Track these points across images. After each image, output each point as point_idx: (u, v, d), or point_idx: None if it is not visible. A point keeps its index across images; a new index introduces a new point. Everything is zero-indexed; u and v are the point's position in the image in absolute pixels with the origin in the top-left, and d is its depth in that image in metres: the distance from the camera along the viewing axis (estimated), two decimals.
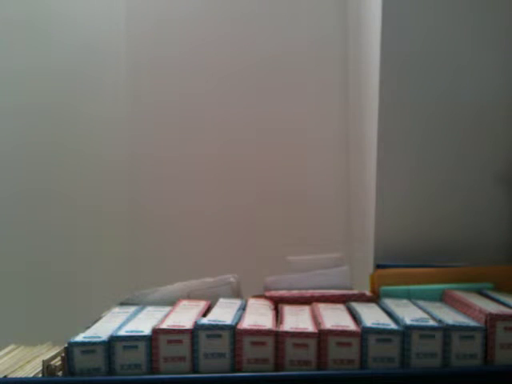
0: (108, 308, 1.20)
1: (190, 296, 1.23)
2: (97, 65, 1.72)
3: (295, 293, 1.23)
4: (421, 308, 1.12)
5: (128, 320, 1.08)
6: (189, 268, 1.56)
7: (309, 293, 1.22)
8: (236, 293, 1.26)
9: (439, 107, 1.32)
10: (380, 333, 0.98)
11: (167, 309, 1.14)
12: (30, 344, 1.24)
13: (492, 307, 1.04)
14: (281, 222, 1.73)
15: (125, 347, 0.98)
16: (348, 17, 1.70)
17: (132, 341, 0.98)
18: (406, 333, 0.99)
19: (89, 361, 0.97)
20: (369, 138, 1.42)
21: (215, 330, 0.99)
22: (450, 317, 1.04)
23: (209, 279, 1.26)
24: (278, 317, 1.10)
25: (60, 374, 1.00)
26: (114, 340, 0.98)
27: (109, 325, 1.05)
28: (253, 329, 0.99)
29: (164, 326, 1.00)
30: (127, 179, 1.73)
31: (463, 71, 1.31)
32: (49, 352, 1.14)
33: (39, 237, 1.73)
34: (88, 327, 1.06)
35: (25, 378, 1.04)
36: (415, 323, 1.00)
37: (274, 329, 1.00)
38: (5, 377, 1.02)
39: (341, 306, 1.16)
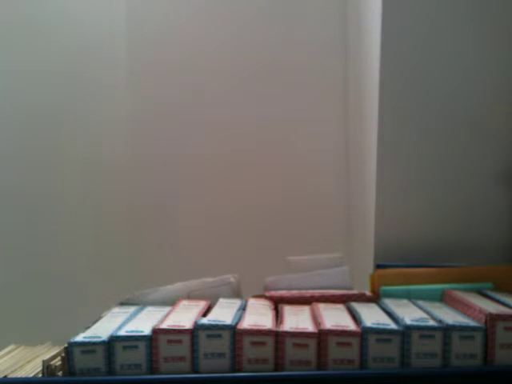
0: (108, 308, 1.20)
1: (190, 296, 1.23)
2: (97, 65, 1.72)
3: (295, 293, 1.23)
4: (421, 308, 1.12)
5: (128, 320, 1.08)
6: (189, 268, 1.56)
7: (309, 293, 1.22)
8: (236, 293, 1.26)
9: (439, 107, 1.32)
10: (380, 333, 0.98)
11: (167, 309, 1.14)
12: (30, 344, 1.24)
13: (492, 307, 1.04)
14: (281, 222, 1.73)
15: (125, 347, 0.98)
16: (348, 20, 1.70)
17: (132, 341, 0.98)
18: (405, 333, 0.99)
19: (89, 361, 0.97)
20: (369, 139, 1.42)
21: (215, 329, 0.99)
22: (450, 317, 1.04)
23: (209, 279, 1.26)
24: (278, 317, 1.10)
25: (60, 373, 1.00)
26: (113, 340, 0.98)
27: (109, 325, 1.05)
28: (253, 329, 0.99)
29: (164, 326, 1.00)
30: (127, 179, 1.73)
31: (463, 71, 1.31)
32: (49, 352, 1.14)
33: (39, 237, 1.73)
34: (88, 327, 1.06)
35: (25, 378, 1.04)
36: (415, 323, 1.00)
37: (274, 329, 1.00)
38: (5, 377, 1.02)
39: (341, 306, 1.16)
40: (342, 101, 1.73)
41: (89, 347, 0.97)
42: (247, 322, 1.02)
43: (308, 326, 1.01)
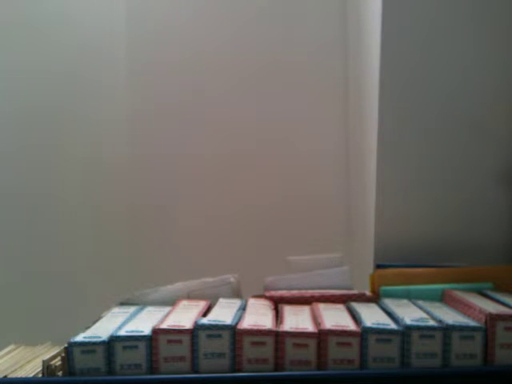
0: (108, 308, 1.20)
1: (190, 296, 1.23)
2: (97, 65, 1.72)
3: (295, 293, 1.23)
4: (421, 308, 1.12)
5: (128, 320, 1.08)
6: (189, 268, 1.56)
7: (309, 293, 1.22)
8: (236, 293, 1.26)
9: (439, 107, 1.32)
10: (380, 333, 0.98)
11: (167, 309, 1.14)
12: (30, 344, 1.24)
13: (492, 307, 1.04)
14: (281, 222, 1.73)
15: (125, 347, 0.98)
16: (348, 20, 1.70)
17: (132, 341, 0.98)
18: (405, 333, 0.99)
19: (89, 361, 0.97)
20: (369, 139, 1.42)
21: (215, 329, 0.99)
22: (450, 317, 1.04)
23: (209, 279, 1.26)
24: (278, 317, 1.10)
25: (60, 374, 1.00)
26: (113, 340, 0.98)
27: (109, 325, 1.05)
28: (253, 329, 0.99)
29: (164, 325, 1.00)
30: (127, 179, 1.73)
31: (463, 71, 1.31)
32: (49, 352, 1.14)
33: (39, 237, 1.73)
34: (88, 327, 1.06)
35: (25, 378, 1.03)
36: (415, 323, 1.00)
37: (274, 329, 1.00)
38: (5, 377, 1.02)
39: (341, 306, 1.16)
40: (342, 101, 1.73)
41: (89, 347, 0.97)
42: (247, 322, 1.02)
43: (308, 326, 1.01)
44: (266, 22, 1.73)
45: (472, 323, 1.01)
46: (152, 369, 0.98)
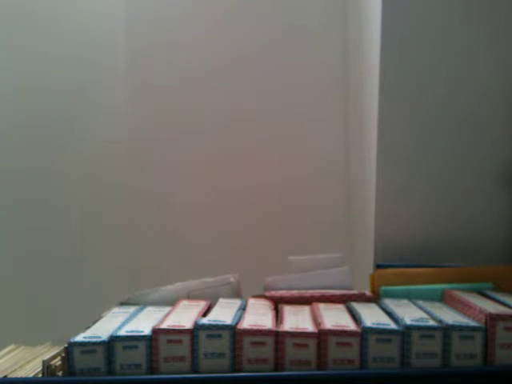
0: (108, 308, 1.20)
1: (190, 296, 1.23)
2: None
3: (295, 293, 1.23)
4: (421, 308, 1.12)
5: (128, 320, 1.08)
6: (189, 268, 1.56)
7: (309, 293, 1.22)
8: (236, 293, 1.26)
9: (439, 107, 1.32)
10: (380, 333, 0.98)
11: (167, 309, 1.14)
12: (30, 344, 1.24)
13: (492, 307, 1.04)
14: (281, 222, 1.73)
15: (125, 347, 0.98)
16: (348, 20, 1.70)
17: (132, 341, 0.98)
18: (405, 333, 0.99)
19: (89, 361, 0.97)
20: (369, 139, 1.42)
21: (215, 329, 0.99)
22: (450, 317, 1.04)
23: (209, 279, 1.26)
24: (278, 317, 1.10)
25: (60, 374, 1.00)
26: (113, 340, 0.98)
27: (109, 325, 1.05)
28: (253, 329, 0.99)
29: (164, 325, 1.00)
30: (127, 179, 1.73)
31: (463, 71, 1.31)
32: (49, 352, 1.14)
33: (39, 236, 1.73)
34: (88, 327, 1.06)
35: (25, 378, 1.03)
36: (415, 323, 1.00)
37: (274, 329, 1.00)
38: (5, 377, 1.02)
39: (341, 306, 1.16)
40: (342, 101, 1.73)
41: (89, 347, 0.97)
42: (247, 322, 1.02)
43: (308, 326, 1.01)
44: (266, 21, 1.73)
45: (472, 323, 1.01)
46: (152, 369, 0.98)
